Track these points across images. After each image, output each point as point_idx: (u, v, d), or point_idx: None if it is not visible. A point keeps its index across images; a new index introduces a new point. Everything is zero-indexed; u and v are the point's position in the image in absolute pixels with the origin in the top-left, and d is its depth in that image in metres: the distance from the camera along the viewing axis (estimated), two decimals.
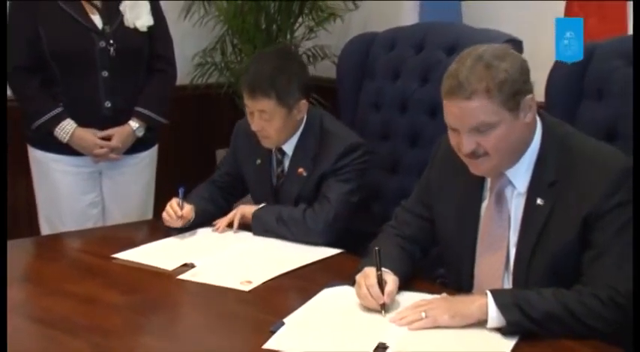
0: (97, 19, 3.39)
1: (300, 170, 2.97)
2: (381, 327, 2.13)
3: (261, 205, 2.98)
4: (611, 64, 2.66)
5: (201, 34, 4.46)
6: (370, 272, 2.29)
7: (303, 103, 2.93)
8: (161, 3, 3.62)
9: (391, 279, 2.28)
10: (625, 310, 2.06)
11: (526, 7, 3.74)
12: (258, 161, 3.07)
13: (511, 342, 2.04)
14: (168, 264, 2.63)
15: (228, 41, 4.46)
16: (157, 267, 2.63)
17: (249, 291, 2.43)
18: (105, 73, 3.40)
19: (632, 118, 2.57)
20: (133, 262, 2.69)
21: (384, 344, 2.03)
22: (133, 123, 3.48)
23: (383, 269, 2.28)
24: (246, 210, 2.98)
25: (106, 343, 2.08)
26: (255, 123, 2.89)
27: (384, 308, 2.22)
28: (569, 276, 2.19)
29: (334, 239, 2.82)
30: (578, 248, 2.20)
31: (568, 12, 3.36)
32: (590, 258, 2.17)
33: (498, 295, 2.11)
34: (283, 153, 3.01)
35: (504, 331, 2.07)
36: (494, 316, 2.08)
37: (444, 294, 2.29)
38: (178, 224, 2.91)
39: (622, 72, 2.62)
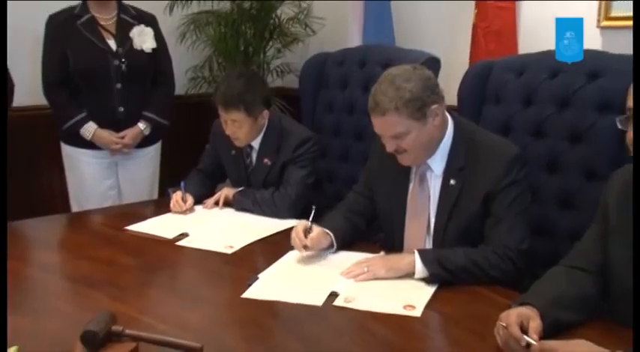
0: (112, 43, 3.37)
1: (266, 160, 2.97)
2: (334, 280, 2.14)
3: (240, 188, 2.98)
4: (505, 76, 2.69)
5: (193, 55, 4.43)
6: (302, 223, 2.37)
7: (266, 112, 2.93)
8: (162, 30, 3.59)
9: (317, 230, 2.35)
10: (515, 262, 2.14)
11: (445, 30, 3.75)
12: (233, 152, 3.06)
13: (432, 288, 2.08)
14: (169, 234, 2.63)
15: (214, 60, 4.44)
16: (159, 236, 2.62)
17: (232, 254, 2.44)
18: (118, 85, 3.37)
19: (522, 118, 2.61)
20: (141, 232, 2.68)
21: (336, 292, 2.05)
22: (142, 125, 3.46)
23: (322, 227, 2.37)
24: (228, 192, 2.97)
25: (120, 295, 2.08)
26: (228, 129, 2.90)
27: (305, 249, 2.31)
28: (475, 238, 2.24)
29: (298, 214, 2.82)
30: (482, 217, 2.24)
31: (474, 38, 3.37)
32: (490, 225, 2.22)
33: (423, 253, 2.15)
34: (251, 147, 3.01)
35: (428, 280, 2.11)
36: (420, 269, 2.12)
37: (382, 253, 2.33)
38: (184, 212, 2.91)
39: (513, 82, 2.65)
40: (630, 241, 1.78)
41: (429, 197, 2.35)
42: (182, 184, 2.98)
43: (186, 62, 4.38)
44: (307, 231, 2.34)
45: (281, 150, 2.95)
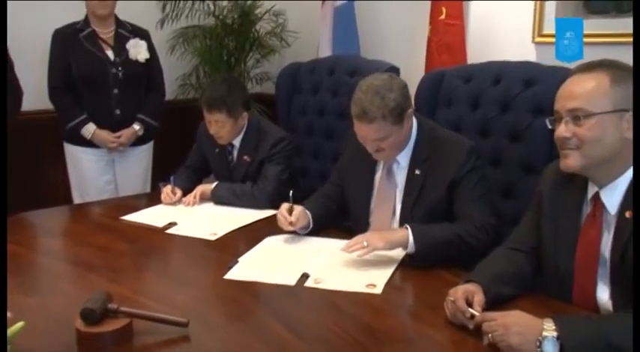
0: (110, 53, 3.38)
1: (245, 157, 2.96)
2: (305, 263, 2.15)
3: (214, 184, 2.95)
4: (455, 83, 2.71)
5: (182, 64, 4.40)
6: (285, 205, 2.40)
7: (245, 114, 2.93)
8: (154, 43, 3.61)
9: (298, 209, 2.37)
10: (489, 233, 2.16)
11: (404, 43, 3.77)
12: (217, 150, 3.05)
13: (391, 269, 2.09)
14: (159, 223, 2.62)
15: (201, 69, 4.41)
16: (151, 225, 2.62)
17: (215, 240, 2.44)
18: (115, 91, 3.38)
19: (470, 119, 2.63)
20: (135, 222, 2.68)
21: (307, 273, 2.06)
22: (136, 126, 3.46)
23: (298, 206, 2.40)
24: (204, 188, 2.94)
25: (116, 277, 2.08)
26: (212, 129, 2.90)
27: (291, 225, 2.33)
28: (439, 222, 2.23)
29: (274, 205, 2.80)
30: (446, 202, 2.25)
31: (429, 50, 3.39)
32: (459, 206, 2.24)
33: (415, 228, 2.13)
34: (233, 146, 3.00)
35: (418, 252, 2.12)
36: (412, 242, 2.10)
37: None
38: (173, 203, 2.90)
39: (462, 88, 2.68)
40: (558, 225, 1.83)
41: (396, 185, 2.35)
42: (171, 179, 2.97)
43: (175, 71, 4.36)
44: (290, 211, 2.36)
45: (259, 149, 2.95)
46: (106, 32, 3.41)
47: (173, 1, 4.24)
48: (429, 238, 2.12)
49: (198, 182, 3.05)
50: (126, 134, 3.44)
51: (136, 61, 3.43)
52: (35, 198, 3.33)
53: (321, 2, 3.93)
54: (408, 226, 2.15)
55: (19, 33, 3.51)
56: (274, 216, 2.65)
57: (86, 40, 3.36)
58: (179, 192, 2.93)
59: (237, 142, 2.98)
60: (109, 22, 3.41)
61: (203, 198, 2.91)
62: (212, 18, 4.34)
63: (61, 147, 3.56)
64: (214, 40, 4.31)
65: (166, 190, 2.93)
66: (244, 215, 2.71)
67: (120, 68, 3.38)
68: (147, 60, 3.46)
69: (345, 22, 3.84)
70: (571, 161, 1.72)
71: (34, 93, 3.52)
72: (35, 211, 2.90)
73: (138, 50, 3.43)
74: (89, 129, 3.38)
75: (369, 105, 2.17)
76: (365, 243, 2.11)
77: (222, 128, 2.88)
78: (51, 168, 3.92)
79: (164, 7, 4.24)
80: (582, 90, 1.69)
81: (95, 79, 3.35)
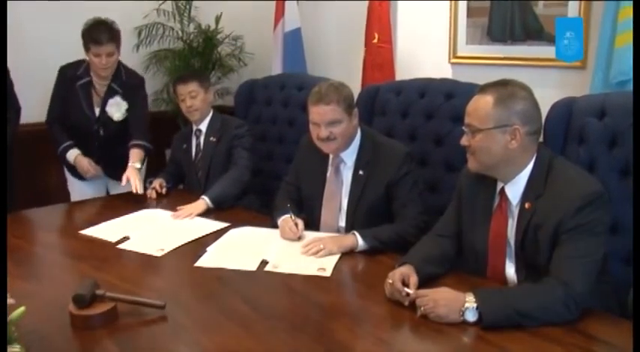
0: (97, 109, 3.06)
1: (212, 138, 2.98)
2: (265, 251, 2.12)
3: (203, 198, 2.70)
4: (388, 96, 2.73)
5: (155, 82, 4.27)
6: (287, 218, 2.27)
7: (211, 89, 3.05)
8: (130, 64, 3.33)
9: (300, 222, 2.27)
10: (423, 230, 2.12)
11: (343, 62, 3.78)
12: (184, 146, 3.05)
13: (338, 255, 2.07)
14: (113, 237, 2.32)
15: (171, 86, 4.30)
16: (105, 239, 2.32)
17: (161, 256, 2.16)
18: (97, 144, 3.09)
19: (401, 127, 2.65)
20: (92, 236, 2.37)
21: (266, 259, 2.04)
22: (137, 165, 3.00)
23: (295, 217, 2.27)
24: (194, 208, 2.63)
25: (100, 265, 2.04)
26: (188, 102, 2.93)
27: (299, 239, 2.21)
28: (379, 215, 2.24)
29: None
30: (384, 200, 2.25)
31: (364, 68, 3.39)
32: (399, 206, 2.24)
33: (361, 232, 2.13)
34: (200, 131, 3.01)
35: (368, 249, 2.10)
36: (362, 244, 2.10)
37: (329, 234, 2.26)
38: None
39: (394, 101, 2.69)
40: (474, 214, 1.85)
41: (342, 183, 2.33)
42: (149, 181, 2.98)
43: (149, 87, 4.14)
44: (295, 224, 2.25)
45: (223, 131, 2.98)
46: (102, 84, 3.07)
47: (147, 28, 4.17)
48: (374, 241, 2.12)
49: (174, 181, 3.08)
50: (133, 178, 2.89)
51: (113, 119, 3.08)
52: (34, 198, 3.17)
53: (273, 28, 3.91)
54: (355, 232, 2.14)
55: (26, 58, 3.41)
56: (221, 229, 2.41)
57: (81, 88, 3.05)
58: (153, 194, 2.91)
59: (203, 127, 3.01)
60: (106, 77, 3.06)
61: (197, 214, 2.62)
62: (180, 42, 4.29)
63: (56, 153, 3.21)
64: (182, 60, 4.25)
65: (150, 193, 2.92)
66: (193, 229, 2.42)
67: (101, 127, 3.06)
68: (126, 115, 3.08)
69: (293, 45, 3.83)
70: (470, 164, 1.80)
71: (37, 108, 3.26)
72: (33, 209, 2.80)
73: (116, 109, 3.07)
74: (73, 154, 3.06)
75: (327, 92, 2.20)
76: (322, 246, 2.09)
77: (196, 98, 2.92)
78: (48, 172, 3.78)
79: (139, 33, 4.15)
80: (473, 110, 1.75)
81: (81, 132, 3.07)
